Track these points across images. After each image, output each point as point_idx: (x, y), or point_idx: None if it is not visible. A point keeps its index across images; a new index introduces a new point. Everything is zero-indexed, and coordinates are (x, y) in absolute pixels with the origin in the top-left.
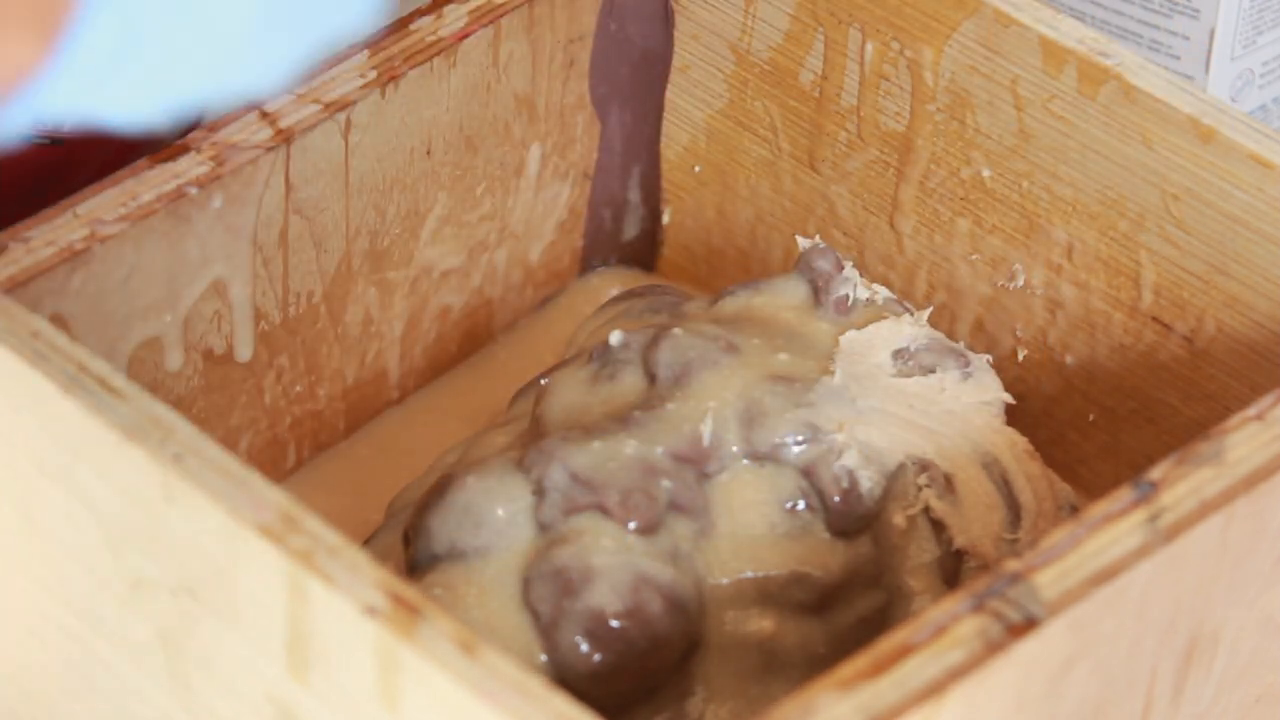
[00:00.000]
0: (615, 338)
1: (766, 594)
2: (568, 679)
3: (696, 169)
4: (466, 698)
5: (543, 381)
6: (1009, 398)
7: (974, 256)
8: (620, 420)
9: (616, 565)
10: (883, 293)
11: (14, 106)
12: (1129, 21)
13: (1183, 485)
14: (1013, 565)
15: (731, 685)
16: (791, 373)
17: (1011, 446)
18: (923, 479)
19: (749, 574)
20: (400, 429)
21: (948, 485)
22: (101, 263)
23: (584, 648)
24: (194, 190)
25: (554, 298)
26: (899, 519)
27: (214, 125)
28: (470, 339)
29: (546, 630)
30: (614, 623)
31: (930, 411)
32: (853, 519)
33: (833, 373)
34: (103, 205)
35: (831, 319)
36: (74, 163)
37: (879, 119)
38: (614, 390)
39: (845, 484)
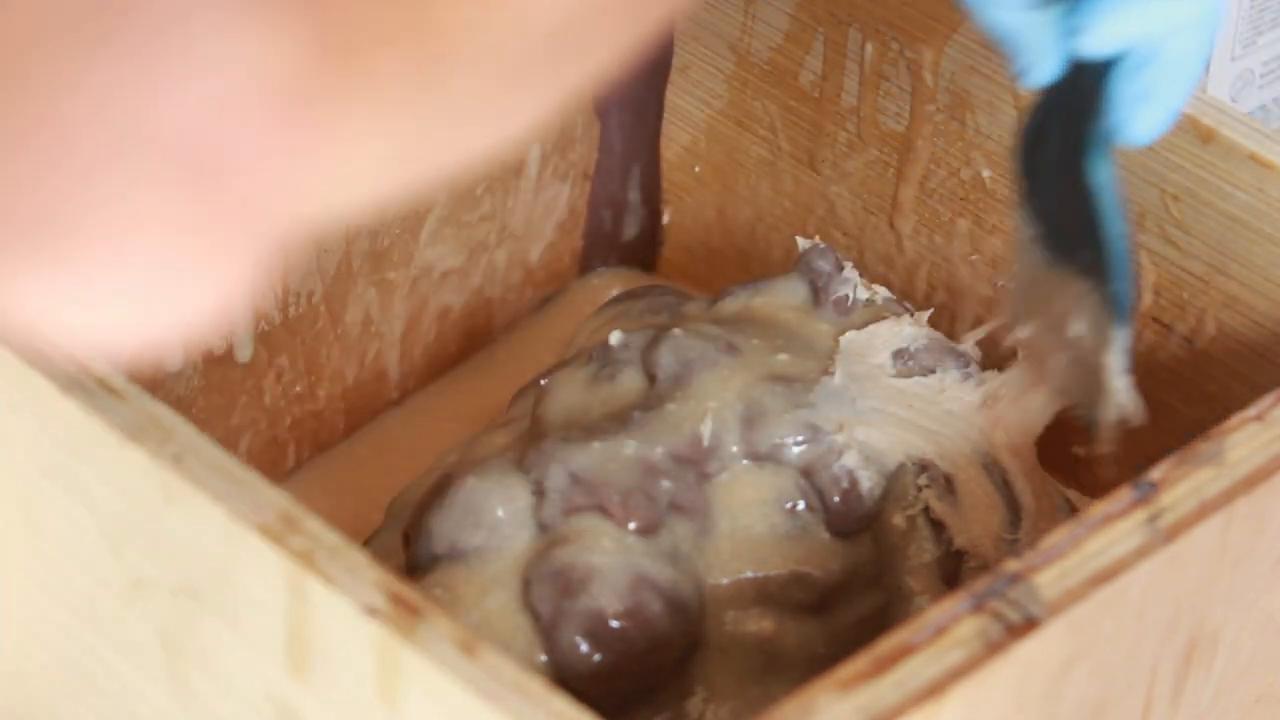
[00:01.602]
0: (615, 338)
1: (766, 594)
2: (567, 679)
3: (696, 169)
4: (466, 698)
5: (542, 382)
6: None
7: (974, 257)
8: (620, 421)
9: (616, 565)
10: (883, 293)
11: None
12: None
13: (1183, 485)
14: (1013, 565)
15: (731, 685)
16: (791, 373)
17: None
18: (923, 479)
19: (749, 574)
20: (400, 429)
21: (948, 485)
22: None
23: (584, 648)
24: None
25: (554, 298)
26: (899, 519)
27: None
28: (470, 339)
29: (546, 630)
30: (614, 623)
31: (930, 412)
32: (853, 519)
33: (833, 373)
34: None
35: (831, 319)
36: None
37: (879, 119)
38: (614, 391)
39: (845, 484)
